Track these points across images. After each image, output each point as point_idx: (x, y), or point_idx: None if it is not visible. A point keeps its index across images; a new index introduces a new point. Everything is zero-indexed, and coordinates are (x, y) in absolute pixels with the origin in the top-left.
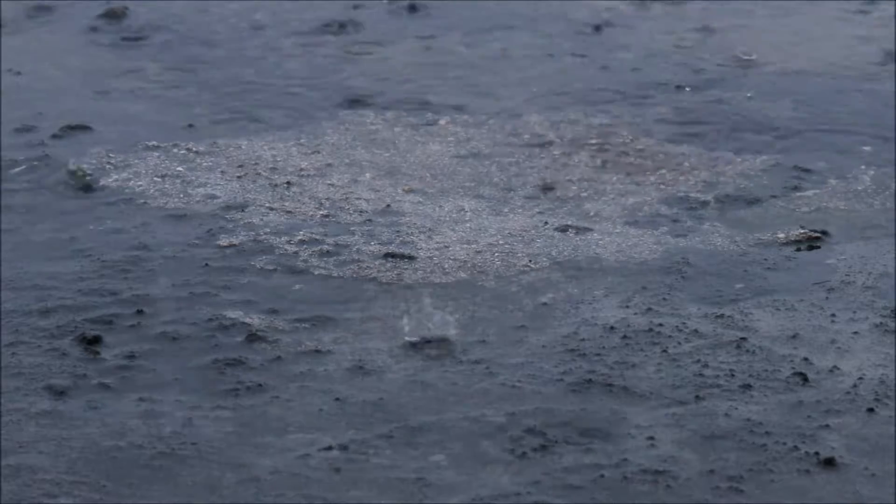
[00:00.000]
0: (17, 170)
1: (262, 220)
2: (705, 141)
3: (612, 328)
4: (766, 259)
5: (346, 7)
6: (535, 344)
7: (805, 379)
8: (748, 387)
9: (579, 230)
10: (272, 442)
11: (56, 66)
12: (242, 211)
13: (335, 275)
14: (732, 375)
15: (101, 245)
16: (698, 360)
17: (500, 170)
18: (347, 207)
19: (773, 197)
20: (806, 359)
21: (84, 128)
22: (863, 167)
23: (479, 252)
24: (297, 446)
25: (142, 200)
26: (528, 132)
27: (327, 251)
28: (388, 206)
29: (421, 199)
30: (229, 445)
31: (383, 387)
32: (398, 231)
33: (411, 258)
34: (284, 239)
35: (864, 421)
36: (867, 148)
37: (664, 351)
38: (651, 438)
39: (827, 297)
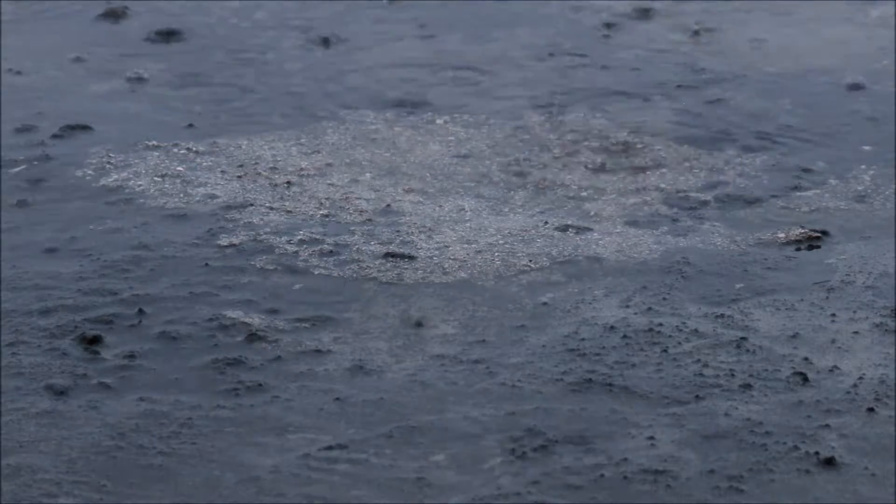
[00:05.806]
0: (16, 170)
1: (262, 219)
2: (705, 141)
3: (612, 328)
4: (766, 259)
5: (346, 6)
6: (535, 344)
7: (805, 379)
8: (748, 387)
9: (579, 230)
10: (272, 442)
11: (56, 65)
12: (242, 211)
13: (335, 275)
14: (732, 375)
15: (101, 245)
16: (698, 360)
17: (500, 170)
18: (347, 207)
19: (773, 197)
20: (806, 359)
21: (84, 128)
22: (863, 167)
23: (479, 252)
24: (297, 446)
25: (142, 200)
26: (528, 132)
27: (327, 251)
28: (388, 205)
29: (421, 199)
30: (229, 445)
31: (383, 387)
32: (398, 231)
33: (411, 258)
34: (284, 239)
35: (864, 421)
36: (867, 148)
37: (664, 351)
38: (651, 438)
39: (827, 297)
